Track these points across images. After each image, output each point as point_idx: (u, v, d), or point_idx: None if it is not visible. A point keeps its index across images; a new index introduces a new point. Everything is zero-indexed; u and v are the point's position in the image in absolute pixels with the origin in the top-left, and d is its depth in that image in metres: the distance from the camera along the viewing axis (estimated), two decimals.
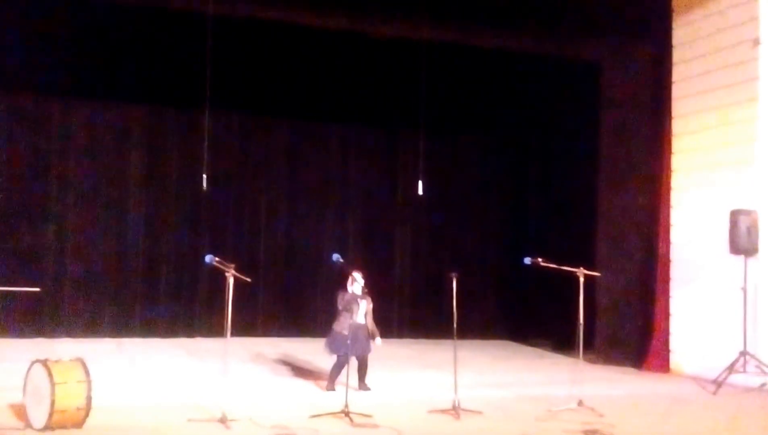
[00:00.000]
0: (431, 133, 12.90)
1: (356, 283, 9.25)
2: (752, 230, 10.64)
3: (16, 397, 7.33)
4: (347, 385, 8.23)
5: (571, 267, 8.99)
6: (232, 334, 7.80)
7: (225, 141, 13.77)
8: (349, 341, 8.81)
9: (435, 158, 13.43)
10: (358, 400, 8.43)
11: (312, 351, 11.20)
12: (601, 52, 12.96)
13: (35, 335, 12.44)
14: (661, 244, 12.17)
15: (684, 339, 11.89)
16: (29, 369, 7.13)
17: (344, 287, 9.43)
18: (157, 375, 10.34)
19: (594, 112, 13.07)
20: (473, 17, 12.04)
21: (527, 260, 9.16)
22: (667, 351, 12.03)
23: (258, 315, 14.25)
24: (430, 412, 8.44)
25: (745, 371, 10.36)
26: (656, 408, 9.32)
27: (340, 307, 9.36)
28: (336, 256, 8.86)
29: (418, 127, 12.48)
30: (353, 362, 9.22)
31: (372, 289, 9.33)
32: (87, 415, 7.06)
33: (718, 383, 10.33)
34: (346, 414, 7.90)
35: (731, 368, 10.39)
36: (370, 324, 9.51)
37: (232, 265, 7.81)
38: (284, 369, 11.10)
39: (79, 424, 7.01)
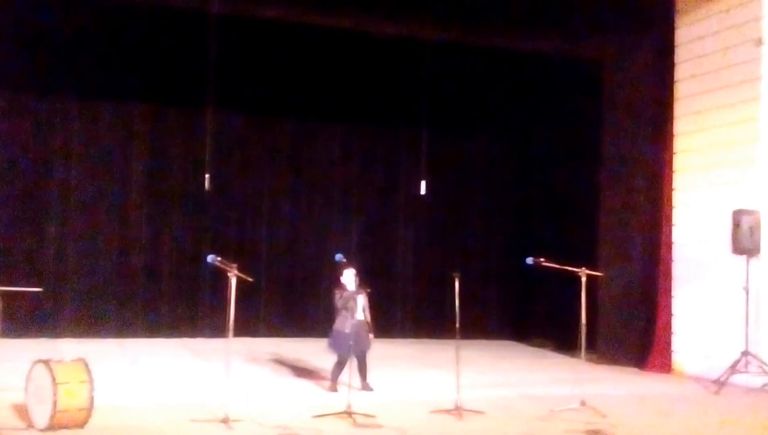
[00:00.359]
0: (434, 132, 12.89)
1: (349, 280, 9.26)
2: (755, 230, 10.62)
3: (19, 397, 7.33)
4: (350, 385, 8.23)
5: (574, 267, 8.98)
6: (235, 334, 7.79)
7: (227, 140, 13.78)
8: (351, 341, 8.81)
9: (438, 158, 13.41)
10: (361, 400, 8.42)
11: (314, 351, 11.20)
12: (604, 51, 12.97)
13: (37, 335, 12.42)
14: (663, 244, 12.15)
15: (686, 339, 11.87)
16: (31, 369, 7.13)
17: (340, 285, 9.44)
18: (160, 375, 10.34)
19: (597, 112, 13.07)
20: (476, 16, 12.05)
21: (530, 260, 9.16)
22: (670, 351, 12.01)
23: (260, 315, 14.26)
24: (433, 412, 8.44)
25: (747, 371, 10.35)
26: (658, 408, 9.31)
27: (339, 306, 9.36)
28: (339, 256, 8.86)
29: (421, 127, 12.50)
30: (353, 361, 9.20)
31: (372, 289, 9.37)
32: (89, 415, 7.06)
33: (720, 383, 10.32)
34: (349, 414, 7.91)
35: (733, 368, 10.38)
36: (368, 318, 9.53)
37: (235, 265, 7.80)
38: (287, 369, 11.10)
39: (81, 425, 7.01)
